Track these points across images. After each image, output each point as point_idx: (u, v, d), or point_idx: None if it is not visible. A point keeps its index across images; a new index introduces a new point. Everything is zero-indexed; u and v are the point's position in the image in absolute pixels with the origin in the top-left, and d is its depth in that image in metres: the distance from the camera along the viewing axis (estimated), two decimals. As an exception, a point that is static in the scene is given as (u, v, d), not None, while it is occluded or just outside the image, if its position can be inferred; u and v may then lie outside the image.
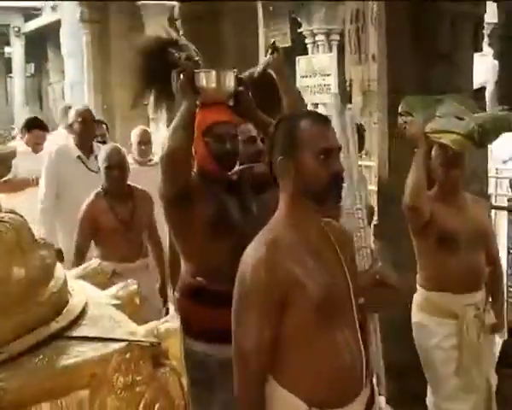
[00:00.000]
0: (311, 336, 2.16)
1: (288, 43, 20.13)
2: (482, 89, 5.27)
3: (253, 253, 2.20)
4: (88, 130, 5.99)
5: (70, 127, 6.19)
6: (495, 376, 3.83)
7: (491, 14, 19.23)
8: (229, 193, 3.29)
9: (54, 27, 18.28)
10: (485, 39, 19.32)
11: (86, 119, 5.97)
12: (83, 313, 1.70)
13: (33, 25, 23.15)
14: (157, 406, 1.51)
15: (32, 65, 26.86)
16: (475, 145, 3.52)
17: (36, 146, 7.06)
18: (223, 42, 6.18)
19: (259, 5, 7.65)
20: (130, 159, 5.61)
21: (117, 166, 4.78)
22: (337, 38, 16.11)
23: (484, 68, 18.19)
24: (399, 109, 3.84)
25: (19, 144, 6.98)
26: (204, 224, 3.16)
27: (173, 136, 3.12)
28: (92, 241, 4.80)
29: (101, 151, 5.06)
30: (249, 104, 3.30)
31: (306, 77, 15.27)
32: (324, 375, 2.15)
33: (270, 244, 2.18)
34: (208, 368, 3.11)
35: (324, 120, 2.38)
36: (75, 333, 1.59)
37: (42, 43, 23.94)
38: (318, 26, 18.02)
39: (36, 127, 7.12)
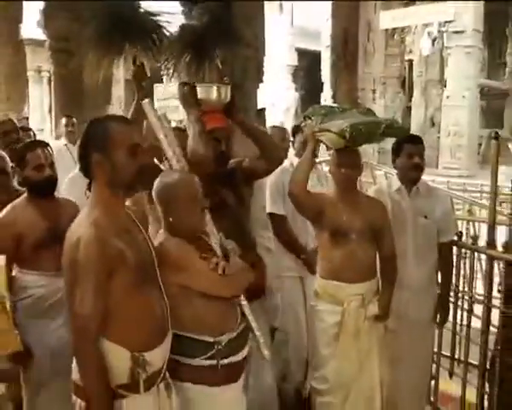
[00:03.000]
0: (130, 296, 2.06)
1: (148, 75, 20.05)
2: (262, 109, 5.44)
3: (79, 233, 2.01)
4: (14, 141, 4.41)
5: None
6: (384, 367, 3.24)
7: (293, 59, 20.25)
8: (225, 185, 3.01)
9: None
10: (290, 77, 20.40)
11: (7, 130, 4.52)
12: None
13: None
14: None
15: None
16: (348, 143, 3.09)
17: None
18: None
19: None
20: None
21: None
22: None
23: (290, 97, 19.19)
24: (305, 114, 3.46)
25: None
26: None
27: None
28: None
29: None
30: (238, 111, 3.00)
31: (162, 100, 15.30)
32: (141, 325, 2.09)
33: (94, 225, 2.01)
34: None
35: (129, 121, 2.28)
36: None
37: None
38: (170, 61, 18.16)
39: None
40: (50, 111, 18.64)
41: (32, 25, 9.46)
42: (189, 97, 2.90)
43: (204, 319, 2.33)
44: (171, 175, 2.47)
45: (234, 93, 2.95)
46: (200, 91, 2.90)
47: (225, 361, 2.34)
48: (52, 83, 6.87)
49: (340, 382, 3.14)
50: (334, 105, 3.98)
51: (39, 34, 9.38)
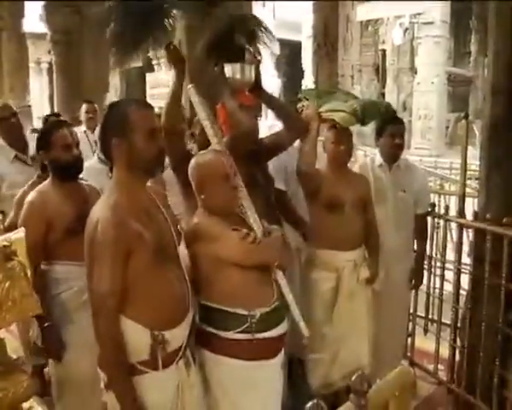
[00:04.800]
0: (149, 276, 1.96)
1: (140, 64, 19.91)
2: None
3: (99, 213, 1.94)
4: (13, 126, 3.92)
5: None
6: (370, 325, 3.29)
7: (276, 48, 20.21)
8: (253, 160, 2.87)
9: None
10: (273, 65, 20.34)
11: (6, 116, 3.93)
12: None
13: None
14: (7, 283, 1.64)
15: None
16: (358, 121, 3.17)
17: None
18: (83, 64, 6.15)
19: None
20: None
21: None
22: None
23: (273, 84, 19.18)
24: (298, 96, 3.46)
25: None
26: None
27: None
28: None
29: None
30: (263, 89, 2.86)
31: (153, 88, 15.32)
32: (161, 304, 1.98)
33: (114, 207, 1.93)
34: None
35: (148, 106, 2.11)
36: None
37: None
38: (162, 51, 18.07)
39: None
40: (51, 99, 18.64)
41: (32, 19, 9.37)
42: (220, 76, 2.76)
43: (238, 292, 2.21)
44: (204, 155, 2.37)
45: (258, 70, 2.80)
46: (227, 71, 2.78)
47: (260, 336, 2.22)
48: (54, 73, 6.81)
49: (332, 340, 3.17)
50: (321, 89, 3.95)
51: (39, 28, 9.31)
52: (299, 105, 3.39)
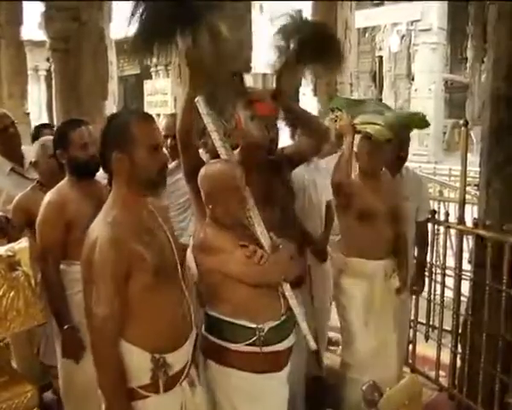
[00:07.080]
0: (150, 297, 1.85)
1: (138, 71, 19.99)
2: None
3: (98, 232, 1.83)
4: (12, 136, 3.64)
5: None
6: (395, 333, 3.27)
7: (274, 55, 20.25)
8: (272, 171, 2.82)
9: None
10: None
11: (6, 125, 3.61)
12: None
13: None
14: (12, 293, 1.64)
15: None
16: (393, 134, 3.13)
17: None
18: (82, 69, 6.16)
19: (113, 44, 7.51)
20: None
21: None
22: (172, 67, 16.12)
23: (271, 91, 19.22)
24: (329, 106, 3.45)
25: None
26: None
27: None
28: None
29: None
30: (286, 96, 2.78)
31: (151, 95, 15.36)
32: (162, 327, 1.89)
33: (113, 225, 1.82)
34: None
35: (151, 118, 1.99)
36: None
37: None
38: (159, 59, 18.13)
39: None
40: (49, 107, 18.68)
41: (29, 26, 9.40)
42: (238, 86, 2.66)
43: (245, 305, 2.18)
44: (213, 165, 2.34)
45: (280, 79, 2.71)
46: (247, 80, 2.69)
47: (268, 349, 2.20)
48: (53, 80, 6.81)
49: (369, 354, 3.11)
50: (352, 97, 3.92)
51: (37, 35, 9.34)
52: (332, 116, 3.38)
